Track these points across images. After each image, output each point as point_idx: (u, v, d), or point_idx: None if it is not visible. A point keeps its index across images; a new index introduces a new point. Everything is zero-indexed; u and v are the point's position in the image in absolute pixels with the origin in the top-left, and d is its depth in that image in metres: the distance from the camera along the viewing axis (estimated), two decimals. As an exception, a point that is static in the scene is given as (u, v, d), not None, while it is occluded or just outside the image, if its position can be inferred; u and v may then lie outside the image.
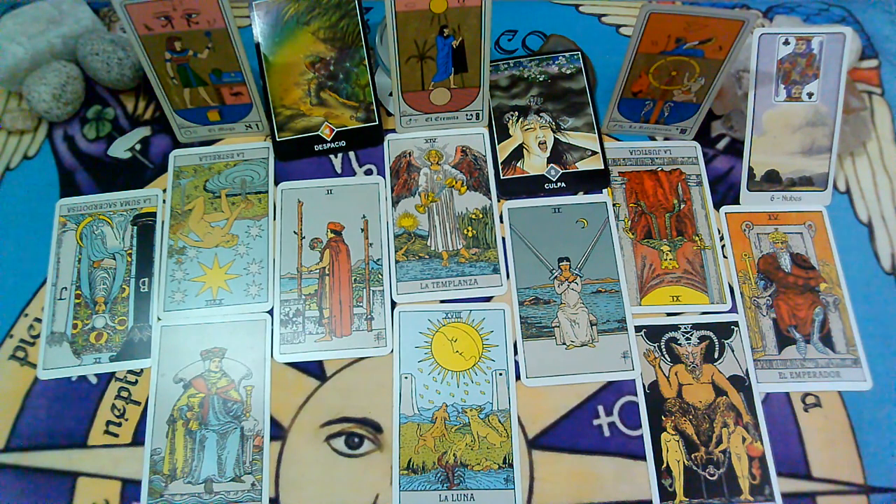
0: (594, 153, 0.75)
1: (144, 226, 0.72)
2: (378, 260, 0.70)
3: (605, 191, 0.74)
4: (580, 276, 0.70)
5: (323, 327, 0.67)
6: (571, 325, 0.68)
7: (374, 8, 0.82)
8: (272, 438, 0.64)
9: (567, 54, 0.79)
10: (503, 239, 0.72)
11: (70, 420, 0.64)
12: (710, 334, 0.67)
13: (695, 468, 0.62)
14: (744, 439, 0.63)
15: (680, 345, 0.67)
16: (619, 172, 0.75)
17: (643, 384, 0.65)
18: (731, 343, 0.67)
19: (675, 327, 0.68)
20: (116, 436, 0.64)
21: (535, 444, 0.63)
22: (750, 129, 0.73)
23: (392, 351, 0.66)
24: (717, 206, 0.73)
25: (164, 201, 0.73)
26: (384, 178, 0.74)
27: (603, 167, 0.74)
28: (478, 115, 0.76)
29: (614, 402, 0.65)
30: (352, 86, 0.75)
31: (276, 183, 0.74)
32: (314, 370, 0.66)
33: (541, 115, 0.76)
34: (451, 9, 0.66)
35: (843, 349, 0.67)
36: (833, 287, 0.70)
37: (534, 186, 0.74)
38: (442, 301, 0.69)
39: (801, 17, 0.85)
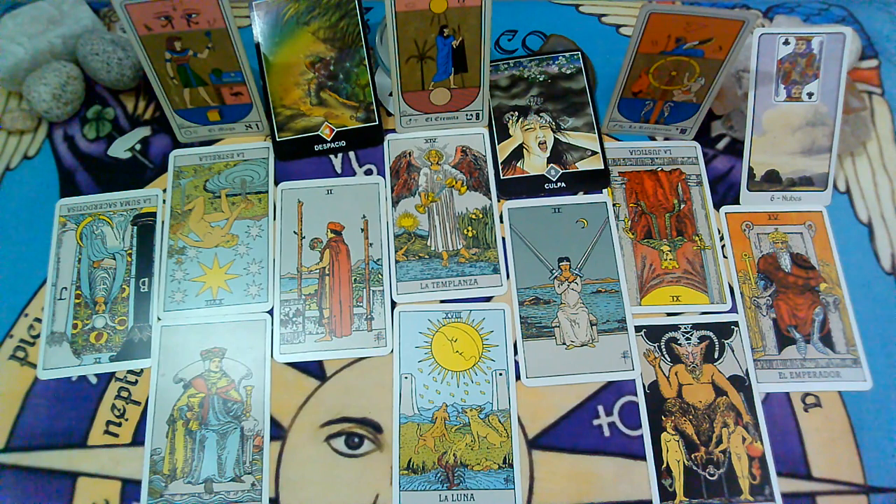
0: (594, 153, 0.75)
1: (144, 226, 0.72)
2: (378, 260, 0.70)
3: (605, 191, 0.74)
4: (580, 276, 0.70)
5: (323, 327, 0.67)
6: (571, 325, 0.68)
7: (374, 8, 0.82)
8: (272, 438, 0.64)
9: (567, 54, 0.79)
10: (503, 239, 0.72)
11: (70, 420, 0.64)
12: (710, 334, 0.67)
13: (695, 468, 0.62)
14: (744, 439, 0.63)
15: (680, 345, 0.67)
16: (619, 172, 0.75)
17: (643, 384, 0.65)
18: (731, 343, 0.67)
19: (675, 327, 0.68)
20: (116, 436, 0.64)
21: (535, 444, 0.63)
22: (750, 129, 0.73)
23: (392, 351, 0.66)
24: (717, 206, 0.73)
25: (164, 201, 0.73)
26: (384, 178, 0.74)
27: (603, 167, 0.74)
28: (478, 115, 0.76)
29: (614, 402, 0.65)
30: (352, 86, 0.75)
31: (276, 183, 0.74)
32: (314, 370, 0.66)
33: (541, 115, 0.76)
34: (451, 9, 0.66)
35: (843, 349, 0.67)
36: (833, 287, 0.70)
37: (534, 186, 0.74)
38: (442, 301, 0.69)
39: (801, 17, 0.85)
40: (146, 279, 0.70)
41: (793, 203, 0.73)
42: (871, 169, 0.76)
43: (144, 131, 0.77)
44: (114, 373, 0.66)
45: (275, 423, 0.64)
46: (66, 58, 0.78)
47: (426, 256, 0.71)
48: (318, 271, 0.70)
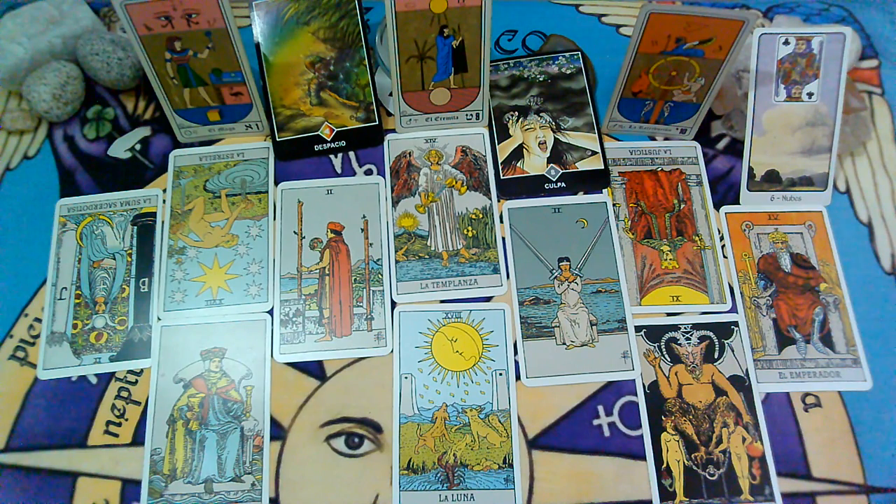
0: (594, 153, 0.75)
1: (144, 226, 0.72)
2: (378, 260, 0.70)
3: (605, 191, 0.74)
4: (580, 276, 0.70)
5: (323, 327, 0.67)
6: (571, 325, 0.68)
7: (374, 8, 0.82)
8: (272, 438, 0.64)
9: (567, 54, 0.79)
10: (503, 239, 0.72)
11: (70, 420, 0.64)
12: (710, 334, 0.67)
13: (695, 468, 0.62)
14: (744, 439, 0.63)
15: (680, 345, 0.67)
16: (619, 172, 0.75)
17: (643, 384, 0.65)
18: (731, 343, 0.67)
19: (675, 327, 0.68)
20: (116, 436, 0.64)
21: (535, 444, 0.63)
22: (750, 129, 0.73)
23: (392, 351, 0.66)
24: (717, 206, 0.73)
25: (164, 201, 0.73)
26: (384, 178, 0.74)
27: (603, 167, 0.74)
28: (478, 115, 0.76)
29: (614, 402, 0.65)
30: (352, 86, 0.75)
31: (276, 183, 0.74)
32: (314, 370, 0.66)
33: (541, 115, 0.76)
34: (451, 9, 0.66)
35: (843, 349, 0.67)
36: (833, 287, 0.70)
37: (534, 186, 0.74)
38: (442, 301, 0.69)
39: (801, 17, 0.85)
40: (146, 279, 0.70)
41: (793, 203, 0.73)
42: (871, 169, 0.76)
43: (144, 131, 0.77)
44: (114, 373, 0.66)
45: (275, 423, 0.64)
46: (66, 58, 0.78)
47: (426, 256, 0.71)
48: (318, 271, 0.70)
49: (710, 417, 0.64)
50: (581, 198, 0.74)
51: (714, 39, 0.65)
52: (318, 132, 0.75)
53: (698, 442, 0.63)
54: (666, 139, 0.77)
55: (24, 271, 0.70)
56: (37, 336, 0.67)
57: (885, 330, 0.68)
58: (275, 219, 0.72)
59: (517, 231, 0.72)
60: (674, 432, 0.63)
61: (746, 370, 0.66)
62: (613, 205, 0.73)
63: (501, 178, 0.74)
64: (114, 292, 0.69)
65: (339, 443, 0.63)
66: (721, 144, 0.77)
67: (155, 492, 0.62)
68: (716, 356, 0.66)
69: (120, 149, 0.76)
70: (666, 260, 0.71)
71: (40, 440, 0.64)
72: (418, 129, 0.76)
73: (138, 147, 0.76)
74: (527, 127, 0.76)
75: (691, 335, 0.67)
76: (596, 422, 0.64)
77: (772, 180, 0.73)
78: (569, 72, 0.79)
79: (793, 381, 0.66)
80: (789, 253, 0.71)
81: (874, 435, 0.64)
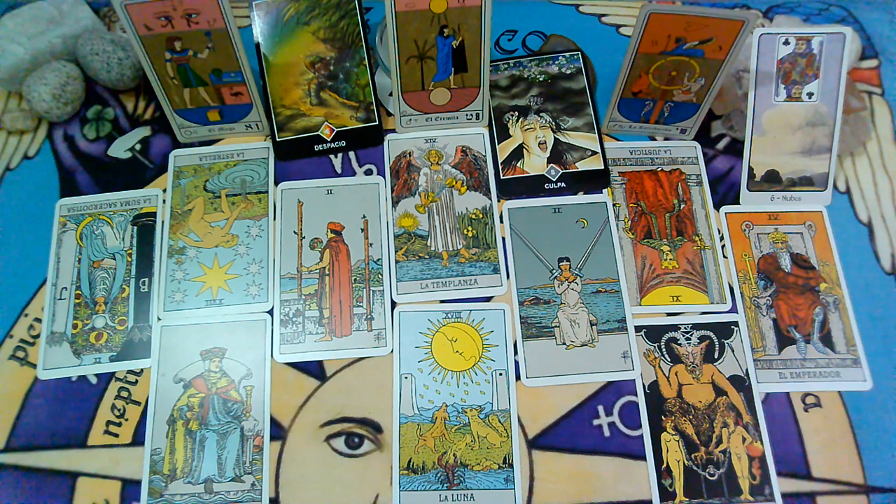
0: (594, 153, 0.75)
1: (144, 226, 0.72)
2: (378, 260, 0.70)
3: (605, 191, 0.74)
4: (580, 276, 0.70)
5: (323, 327, 0.67)
6: (571, 325, 0.68)
7: (374, 8, 0.82)
8: (272, 438, 0.64)
9: (567, 54, 0.79)
10: (503, 239, 0.72)
11: (70, 420, 0.64)
12: (710, 334, 0.67)
13: (695, 468, 0.62)
14: (744, 439, 0.63)
15: (680, 345, 0.67)
16: (619, 172, 0.75)
17: (643, 384, 0.65)
18: (731, 343, 0.67)
19: (675, 327, 0.68)
20: (116, 436, 0.64)
21: (535, 444, 0.63)
22: (750, 129, 0.73)
23: (392, 351, 0.66)
24: (717, 206, 0.73)
25: (164, 201, 0.73)
26: (384, 178, 0.74)
27: (603, 167, 0.74)
28: (478, 115, 0.76)
29: (614, 402, 0.65)
30: (352, 86, 0.75)
31: (276, 183, 0.74)
32: (314, 370, 0.66)
33: (541, 115, 0.76)
34: (451, 9, 0.66)
35: (843, 349, 0.67)
36: (833, 287, 0.70)
37: (534, 186, 0.74)
38: (442, 301, 0.69)
39: (801, 17, 0.85)
40: (146, 279, 0.70)
41: (793, 203, 0.73)
42: (871, 169, 0.76)
43: (144, 131, 0.77)
44: (114, 373, 0.66)
45: (275, 423, 0.64)
46: (66, 58, 0.78)
47: (426, 256, 0.71)
48: (318, 271, 0.70)
49: (710, 417, 0.64)
50: (581, 198, 0.74)
51: (714, 39, 0.65)
52: (318, 132, 0.75)
53: (698, 442, 0.63)
54: (666, 139, 0.77)
55: (24, 271, 0.70)
56: (37, 336, 0.67)
57: (885, 330, 0.68)
58: (275, 219, 0.72)
59: (517, 231, 0.72)
60: (674, 432, 0.63)
61: (746, 370, 0.66)
62: (613, 205, 0.73)
63: (501, 178, 0.74)
64: (114, 292, 0.69)
65: (339, 443, 0.63)
66: (721, 144, 0.77)
67: (155, 492, 0.62)
68: (716, 356, 0.66)
69: (120, 149, 0.76)
70: (666, 260, 0.71)
71: (40, 440, 0.64)
72: (418, 129, 0.77)
73: (138, 147, 0.76)
74: (527, 127, 0.76)
75: (691, 335, 0.67)
76: (596, 422, 0.64)
77: (772, 180, 0.73)
78: (569, 72, 0.79)
79: (793, 381, 0.66)
80: (789, 253, 0.71)
81: (874, 435, 0.64)
